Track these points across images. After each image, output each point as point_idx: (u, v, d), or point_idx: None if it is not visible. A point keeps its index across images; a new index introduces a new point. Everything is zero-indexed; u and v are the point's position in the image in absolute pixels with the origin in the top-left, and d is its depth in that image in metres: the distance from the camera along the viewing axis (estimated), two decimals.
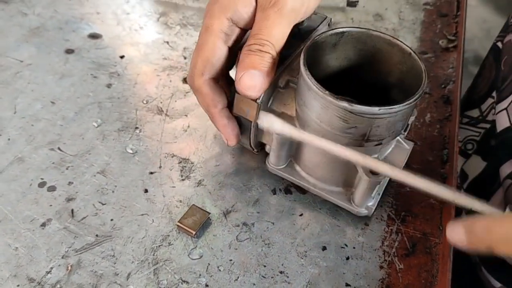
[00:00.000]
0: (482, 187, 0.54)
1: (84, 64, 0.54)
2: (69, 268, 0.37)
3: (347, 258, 0.39)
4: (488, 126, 0.56)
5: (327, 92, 0.34)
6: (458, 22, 0.60)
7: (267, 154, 0.43)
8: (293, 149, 0.41)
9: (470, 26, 2.22)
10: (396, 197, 0.43)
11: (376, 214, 0.41)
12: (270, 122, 0.38)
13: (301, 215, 0.41)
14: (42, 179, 0.43)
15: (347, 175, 0.40)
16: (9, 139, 0.46)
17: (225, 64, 0.39)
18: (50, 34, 0.58)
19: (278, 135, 0.39)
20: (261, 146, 0.44)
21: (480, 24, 2.27)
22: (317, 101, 0.35)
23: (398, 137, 0.40)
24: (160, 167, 0.45)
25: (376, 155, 0.38)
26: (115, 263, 0.38)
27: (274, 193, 0.43)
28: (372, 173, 0.37)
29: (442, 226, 0.41)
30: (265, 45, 0.36)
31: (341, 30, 0.38)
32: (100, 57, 0.55)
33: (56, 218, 0.40)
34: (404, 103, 0.33)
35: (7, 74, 0.53)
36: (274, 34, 0.36)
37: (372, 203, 0.40)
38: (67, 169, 0.44)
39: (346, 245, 0.39)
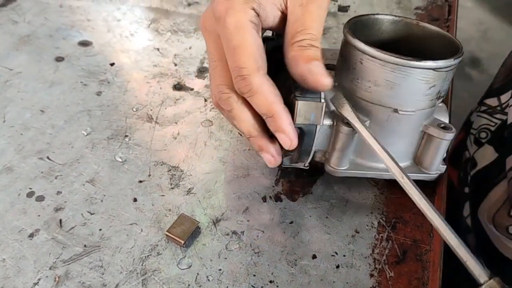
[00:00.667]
0: (488, 177, 0.54)
1: (74, 71, 0.54)
2: (57, 279, 0.37)
3: (337, 267, 0.38)
4: (505, 118, 0.55)
5: (409, 57, 0.35)
6: (449, 26, 0.60)
7: (256, 170, 0.43)
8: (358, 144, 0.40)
9: (467, 27, 2.22)
10: (387, 203, 0.43)
11: (367, 221, 0.41)
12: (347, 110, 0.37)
13: (291, 222, 0.41)
14: (30, 188, 0.43)
15: (416, 144, 0.40)
16: None
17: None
18: (41, 41, 0.58)
19: (344, 134, 0.38)
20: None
21: (476, 26, 2.28)
22: (394, 73, 0.36)
23: None
24: (149, 175, 0.44)
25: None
26: (103, 274, 0.37)
27: (264, 201, 0.43)
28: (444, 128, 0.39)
29: (433, 233, 0.40)
30: (315, 40, 0.35)
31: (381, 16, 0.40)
32: (90, 65, 0.55)
33: (44, 229, 0.40)
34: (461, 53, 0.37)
35: None
36: (318, 28, 0.36)
37: (442, 163, 0.41)
38: (56, 178, 0.44)
39: (336, 253, 0.39)
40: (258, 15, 0.36)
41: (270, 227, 0.41)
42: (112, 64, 0.55)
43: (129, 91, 0.52)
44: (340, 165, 0.41)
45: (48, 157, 0.45)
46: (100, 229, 0.40)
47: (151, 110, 0.50)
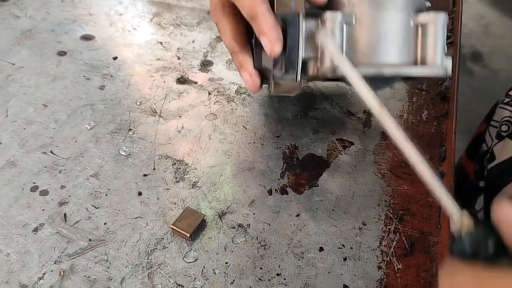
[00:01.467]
0: (505, 172, 0.53)
1: (76, 66, 0.54)
2: (62, 273, 0.37)
3: (345, 259, 0.38)
4: None
5: None
6: (454, 18, 0.60)
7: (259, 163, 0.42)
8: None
9: (468, 21, 2.21)
10: (394, 196, 0.42)
11: (373, 214, 0.41)
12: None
13: (297, 215, 0.41)
14: (34, 183, 0.43)
15: (414, 42, 0.37)
16: (0, 143, 0.46)
17: None
18: (43, 36, 0.57)
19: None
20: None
21: (477, 20, 2.27)
22: None
23: None
24: (154, 169, 0.44)
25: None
26: (108, 268, 0.37)
27: (270, 194, 0.42)
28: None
29: (441, 225, 0.40)
30: None
31: None
32: (93, 59, 0.54)
33: (49, 223, 0.40)
34: None
35: None
36: None
37: (447, 57, 0.37)
38: (59, 172, 0.43)
39: (344, 246, 0.39)
40: None
41: (276, 220, 0.40)
42: (115, 58, 0.55)
43: (132, 85, 0.52)
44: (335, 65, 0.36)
45: (51, 152, 0.45)
46: (105, 223, 0.40)
47: (154, 104, 0.50)
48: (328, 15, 0.35)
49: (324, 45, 0.35)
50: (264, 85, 0.41)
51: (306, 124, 0.48)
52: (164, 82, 0.52)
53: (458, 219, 0.27)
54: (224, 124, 0.48)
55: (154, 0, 0.63)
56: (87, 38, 0.57)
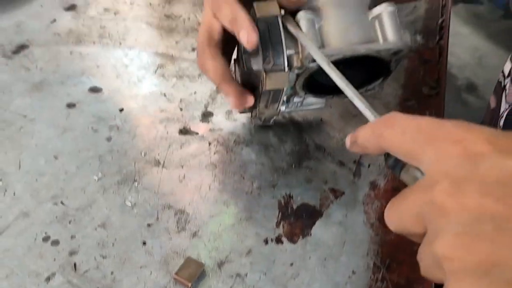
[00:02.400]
0: None
1: (85, 118, 0.57)
2: None
3: None
4: None
5: None
6: (440, 69, 0.64)
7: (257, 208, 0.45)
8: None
9: (462, 54, 2.27)
10: (382, 244, 0.45)
11: (363, 262, 0.44)
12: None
13: (291, 264, 0.44)
14: (46, 233, 0.46)
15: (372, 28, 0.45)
16: (14, 194, 0.49)
17: None
18: (53, 88, 0.61)
19: (305, 20, 0.43)
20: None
21: (472, 52, 2.33)
22: None
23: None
24: (157, 219, 0.47)
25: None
26: None
27: (266, 243, 0.45)
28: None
29: None
30: None
31: None
32: (100, 111, 0.58)
33: (60, 272, 0.43)
34: None
35: (12, 130, 0.56)
36: None
37: (404, 35, 0.44)
38: (69, 223, 0.46)
39: None
40: None
41: (272, 269, 0.43)
42: (121, 110, 0.58)
43: (137, 136, 0.55)
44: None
45: (62, 202, 0.48)
46: (112, 272, 0.43)
47: (158, 154, 0.53)
48: (301, 14, 0.43)
49: (299, 38, 0.42)
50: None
51: (300, 174, 0.51)
52: (167, 133, 0.56)
53: None
54: (223, 173, 0.51)
55: (158, 52, 0.67)
56: (94, 90, 0.61)
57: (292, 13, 0.44)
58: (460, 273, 0.24)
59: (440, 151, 0.26)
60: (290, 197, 0.49)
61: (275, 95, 0.46)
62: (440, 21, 0.74)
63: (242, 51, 0.47)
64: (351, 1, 0.45)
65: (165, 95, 0.61)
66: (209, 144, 0.55)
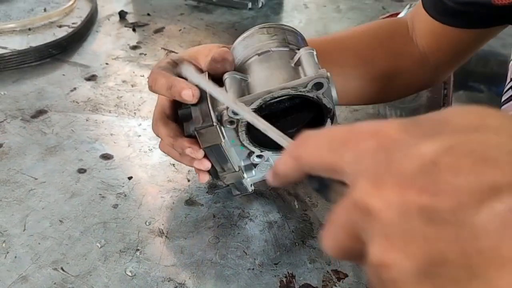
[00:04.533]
0: None
1: (94, 184, 0.58)
2: None
3: None
4: None
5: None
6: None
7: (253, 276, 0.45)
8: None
9: None
10: None
11: None
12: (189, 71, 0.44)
13: None
14: None
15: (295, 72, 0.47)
16: (15, 257, 0.49)
17: None
18: (66, 153, 0.63)
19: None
20: None
21: None
22: (247, 41, 0.49)
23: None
24: None
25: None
26: None
27: None
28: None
29: None
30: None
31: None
32: (110, 178, 0.59)
33: None
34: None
35: (21, 191, 0.56)
36: None
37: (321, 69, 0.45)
38: None
39: None
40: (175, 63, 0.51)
41: None
42: (130, 178, 0.59)
43: (143, 205, 0.56)
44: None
45: (62, 268, 0.48)
46: None
47: (162, 224, 0.53)
48: (225, 75, 0.47)
49: (213, 93, 0.43)
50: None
51: (303, 253, 0.51)
52: (173, 203, 0.56)
53: None
54: (226, 248, 0.51)
55: None
56: (106, 157, 0.63)
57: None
58: (400, 281, 0.20)
59: (356, 151, 0.24)
60: (293, 276, 0.48)
61: (218, 152, 0.48)
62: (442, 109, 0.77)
63: (181, 123, 0.50)
64: (272, 55, 0.48)
65: (174, 165, 0.62)
66: (214, 216, 0.55)
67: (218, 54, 0.48)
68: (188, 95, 0.46)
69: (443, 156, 0.21)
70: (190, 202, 0.57)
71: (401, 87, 0.66)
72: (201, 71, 0.50)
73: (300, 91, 0.44)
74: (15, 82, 0.76)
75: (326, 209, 0.56)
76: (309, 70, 0.45)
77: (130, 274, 0.48)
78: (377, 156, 0.23)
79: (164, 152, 0.54)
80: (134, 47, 0.89)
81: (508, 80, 0.53)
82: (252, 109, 0.44)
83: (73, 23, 0.92)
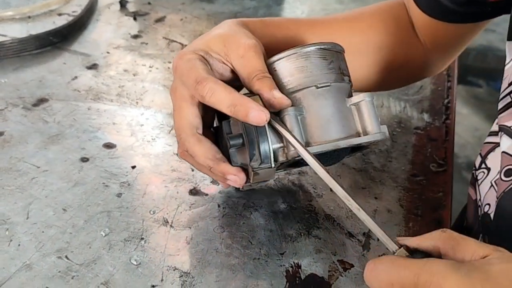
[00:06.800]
0: None
1: (97, 172, 0.58)
2: None
3: None
4: None
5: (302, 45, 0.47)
6: (447, 147, 0.65)
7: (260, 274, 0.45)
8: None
9: (463, 133, 2.31)
10: None
11: None
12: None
13: None
14: None
15: (352, 119, 0.47)
16: (19, 245, 0.48)
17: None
18: (68, 142, 0.62)
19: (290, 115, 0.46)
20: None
21: (472, 132, 2.37)
22: (298, 60, 0.46)
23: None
24: (162, 280, 0.46)
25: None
26: None
27: None
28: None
29: None
30: (265, 72, 0.46)
31: None
32: (113, 167, 0.59)
33: None
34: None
35: (23, 179, 0.56)
36: (263, 66, 0.47)
37: (382, 125, 0.47)
38: (72, 278, 0.45)
39: None
40: (206, 60, 0.47)
41: None
42: (133, 167, 0.59)
43: (147, 194, 0.55)
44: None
45: (66, 256, 0.47)
46: None
47: (167, 213, 0.53)
48: (287, 110, 0.45)
49: (284, 136, 0.44)
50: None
51: (308, 243, 0.51)
52: (177, 192, 0.56)
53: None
54: (231, 238, 0.51)
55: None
56: (109, 146, 0.62)
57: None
58: None
59: None
60: (299, 266, 0.48)
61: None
62: (446, 101, 0.77)
63: (228, 143, 0.46)
64: (331, 90, 0.46)
65: (177, 155, 0.61)
66: (219, 206, 0.55)
67: (278, 104, 0.45)
68: (260, 118, 0.42)
69: None
70: (194, 191, 0.56)
71: (409, 76, 0.66)
72: (225, 65, 0.48)
73: (359, 143, 0.47)
74: (16, 70, 0.75)
75: (331, 199, 0.56)
76: (370, 126, 0.46)
77: (135, 262, 0.47)
78: None
79: (185, 160, 0.51)
80: (135, 36, 0.88)
81: (506, 85, 0.52)
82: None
83: (73, 11, 0.91)
